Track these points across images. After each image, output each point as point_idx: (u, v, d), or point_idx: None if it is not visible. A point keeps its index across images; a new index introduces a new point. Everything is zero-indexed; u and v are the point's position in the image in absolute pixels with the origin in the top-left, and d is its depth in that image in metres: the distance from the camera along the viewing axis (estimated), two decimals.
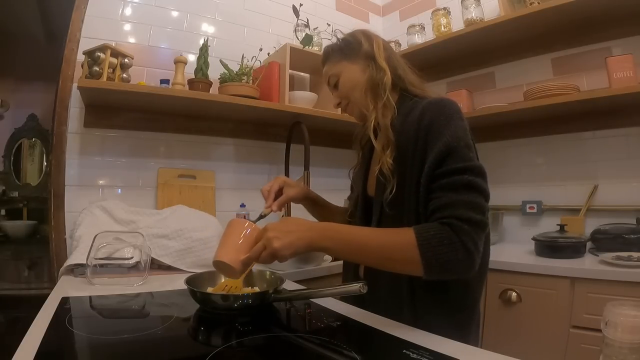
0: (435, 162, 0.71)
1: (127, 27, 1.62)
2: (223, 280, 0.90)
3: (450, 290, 0.76)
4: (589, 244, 1.48)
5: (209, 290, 0.85)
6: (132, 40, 1.63)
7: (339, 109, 0.99)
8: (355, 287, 0.71)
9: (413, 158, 0.77)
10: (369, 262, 0.75)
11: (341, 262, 1.03)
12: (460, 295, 0.79)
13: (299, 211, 1.94)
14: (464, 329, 0.80)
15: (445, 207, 0.67)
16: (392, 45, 2.16)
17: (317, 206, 1.14)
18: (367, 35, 0.94)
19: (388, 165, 0.79)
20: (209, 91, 1.55)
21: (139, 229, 1.24)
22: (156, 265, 1.18)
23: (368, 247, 0.71)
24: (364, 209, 0.95)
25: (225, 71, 1.60)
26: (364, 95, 0.90)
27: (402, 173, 0.79)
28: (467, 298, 0.80)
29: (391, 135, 0.82)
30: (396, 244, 0.68)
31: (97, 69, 1.32)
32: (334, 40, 0.98)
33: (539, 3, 1.57)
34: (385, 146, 0.82)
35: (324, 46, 1.94)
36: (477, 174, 0.70)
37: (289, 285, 0.98)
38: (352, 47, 0.93)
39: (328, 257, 1.56)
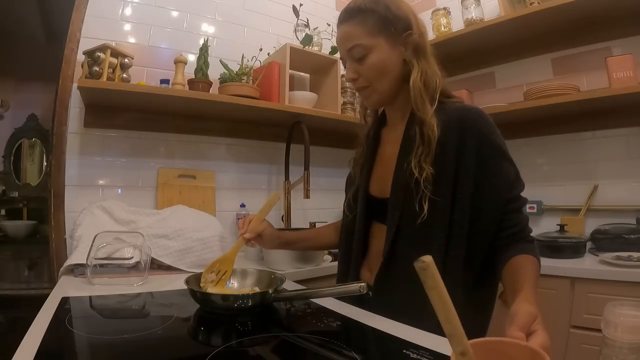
0: (508, 190, 0.78)
1: (127, 27, 1.62)
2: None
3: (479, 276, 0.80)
4: (589, 244, 1.48)
5: (202, 284, 0.86)
6: (132, 40, 1.63)
7: (348, 85, 0.88)
8: (355, 287, 0.72)
9: (457, 170, 0.76)
10: None
11: None
12: (486, 276, 0.82)
13: (298, 220, 1.95)
14: (486, 307, 0.86)
15: (526, 227, 0.80)
16: None
17: (294, 245, 1.13)
18: (419, 22, 0.83)
19: (428, 175, 0.75)
20: (209, 91, 1.55)
21: (139, 229, 1.23)
22: (156, 265, 1.17)
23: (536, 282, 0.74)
24: (366, 208, 0.91)
25: (225, 71, 1.60)
26: (393, 85, 0.83)
27: (436, 182, 0.76)
28: (491, 276, 0.82)
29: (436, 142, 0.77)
30: (537, 274, 0.74)
31: (97, 69, 1.32)
32: (375, 1, 0.82)
33: (539, 3, 1.57)
34: (426, 154, 0.77)
35: (324, 47, 1.95)
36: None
37: (289, 285, 0.98)
38: (398, 26, 0.81)
39: (328, 257, 1.56)
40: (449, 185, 0.76)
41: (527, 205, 1.79)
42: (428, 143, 0.77)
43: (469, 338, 0.39)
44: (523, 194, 0.84)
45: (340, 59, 0.89)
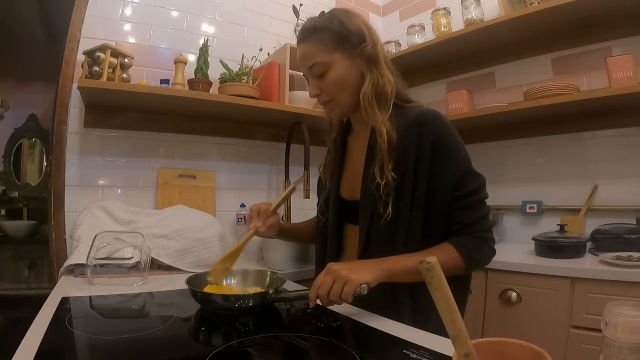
0: (454, 186, 0.81)
1: (127, 27, 1.62)
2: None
3: None
4: (589, 244, 1.48)
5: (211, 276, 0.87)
6: (132, 40, 1.63)
7: (316, 99, 0.92)
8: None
9: (416, 171, 0.81)
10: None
11: None
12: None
13: (298, 220, 1.95)
14: (462, 293, 0.89)
15: (472, 225, 0.82)
16: (392, 45, 2.17)
17: (288, 237, 1.17)
18: (372, 33, 0.87)
19: (389, 180, 0.80)
20: (209, 91, 1.55)
21: (139, 229, 1.24)
22: (156, 265, 1.18)
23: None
24: (338, 210, 0.95)
25: (225, 71, 1.60)
26: (354, 96, 0.87)
27: (398, 185, 0.81)
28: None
29: (391, 148, 0.82)
30: (445, 260, 0.77)
31: (97, 69, 1.32)
32: (329, 18, 0.87)
33: (539, 3, 1.57)
34: (387, 160, 0.81)
35: None
36: (484, 186, 0.84)
37: (289, 285, 0.98)
38: (352, 41, 0.84)
39: None
40: (410, 186, 0.81)
41: (527, 205, 1.80)
42: (386, 149, 0.82)
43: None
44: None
45: (303, 75, 0.94)
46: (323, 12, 0.91)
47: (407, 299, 0.81)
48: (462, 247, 0.80)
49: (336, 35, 0.85)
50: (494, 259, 0.85)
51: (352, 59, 0.86)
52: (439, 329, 0.71)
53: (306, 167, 1.61)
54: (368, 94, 0.84)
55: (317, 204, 1.05)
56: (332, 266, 0.74)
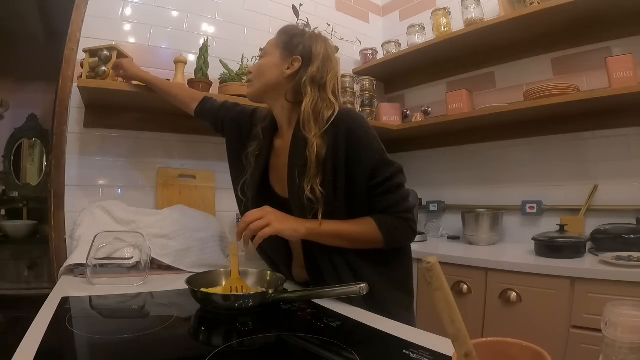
0: (369, 176, 0.88)
1: (127, 27, 1.62)
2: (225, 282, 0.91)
3: (388, 257, 0.93)
4: (589, 244, 1.48)
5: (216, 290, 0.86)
6: (132, 40, 1.63)
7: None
8: (355, 288, 0.76)
9: (335, 167, 0.87)
10: (344, 246, 0.90)
11: None
12: (396, 258, 0.95)
13: None
14: (405, 288, 0.96)
15: (392, 207, 0.90)
16: (392, 45, 2.17)
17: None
18: (327, 63, 0.94)
19: (317, 194, 0.86)
20: (209, 91, 1.55)
21: (139, 229, 1.23)
22: (156, 265, 1.17)
23: (344, 237, 0.88)
24: (271, 203, 0.93)
25: (225, 71, 1.60)
26: (266, 88, 0.97)
27: (326, 187, 0.87)
28: (402, 259, 0.97)
29: (319, 161, 0.87)
30: (365, 232, 0.89)
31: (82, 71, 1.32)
32: (301, 32, 0.99)
33: (539, 3, 1.57)
34: (315, 175, 0.86)
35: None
36: (400, 172, 0.92)
37: (289, 286, 0.98)
38: (295, 52, 0.94)
39: None
40: (331, 181, 0.88)
41: (527, 205, 1.80)
42: (314, 162, 0.87)
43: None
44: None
45: None
46: (310, 27, 1.05)
47: (348, 270, 0.89)
48: (382, 223, 0.88)
49: (288, 41, 0.97)
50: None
51: (283, 63, 0.95)
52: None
53: None
54: (308, 109, 0.91)
55: (239, 186, 1.08)
56: (267, 208, 0.86)
